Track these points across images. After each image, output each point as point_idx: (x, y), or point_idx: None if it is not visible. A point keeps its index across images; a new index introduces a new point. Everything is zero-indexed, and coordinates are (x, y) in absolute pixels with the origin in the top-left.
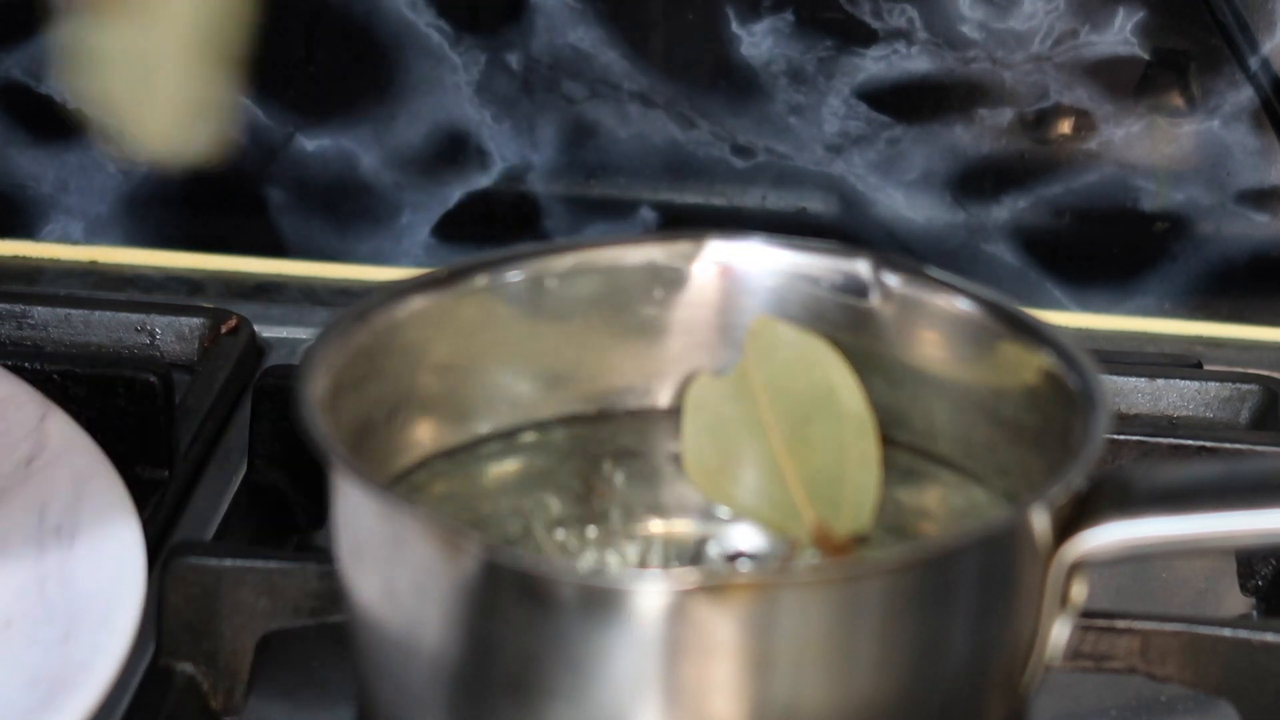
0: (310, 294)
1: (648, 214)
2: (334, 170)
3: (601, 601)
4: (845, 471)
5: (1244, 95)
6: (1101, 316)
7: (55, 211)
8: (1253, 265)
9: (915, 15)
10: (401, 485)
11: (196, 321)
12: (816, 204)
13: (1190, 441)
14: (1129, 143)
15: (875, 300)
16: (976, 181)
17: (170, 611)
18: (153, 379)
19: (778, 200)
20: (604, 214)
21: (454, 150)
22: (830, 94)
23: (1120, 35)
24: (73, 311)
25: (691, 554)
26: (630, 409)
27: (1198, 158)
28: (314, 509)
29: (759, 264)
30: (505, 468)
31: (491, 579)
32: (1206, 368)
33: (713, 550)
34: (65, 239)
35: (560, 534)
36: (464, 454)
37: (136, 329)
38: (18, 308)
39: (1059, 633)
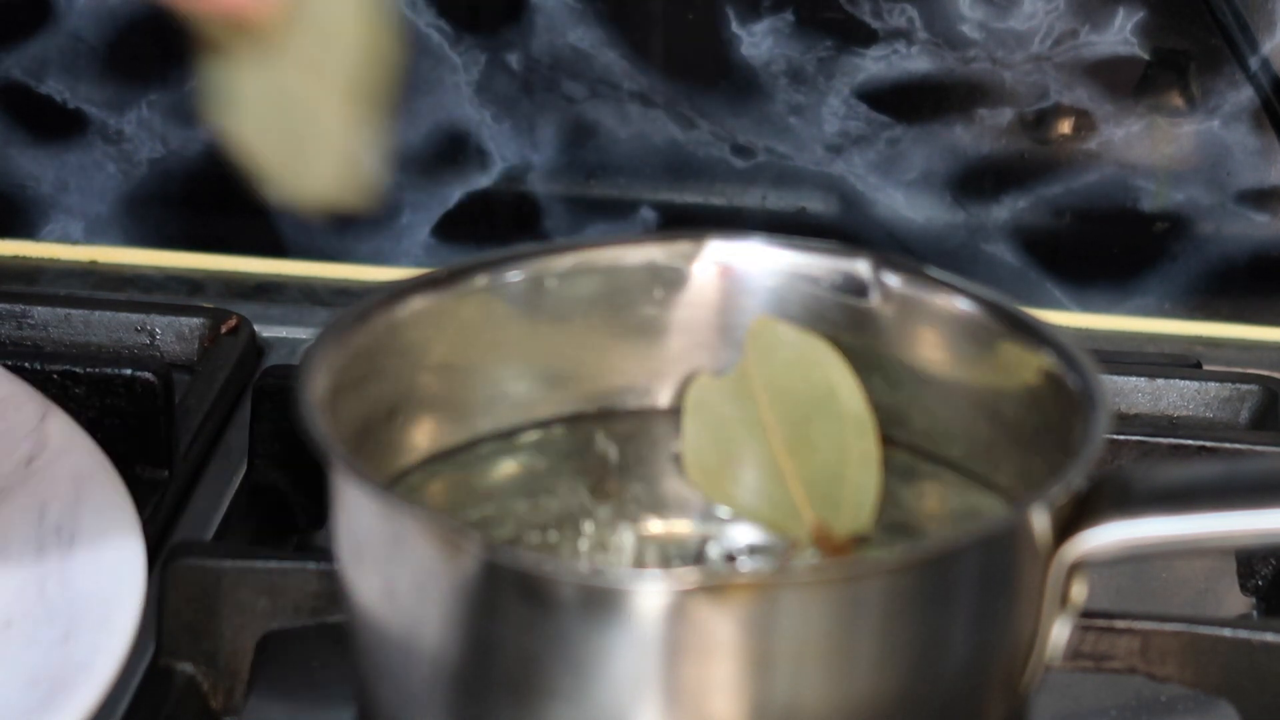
0: (310, 294)
1: (648, 214)
2: None
3: (601, 601)
4: (845, 471)
5: (1244, 95)
6: (1101, 316)
7: (55, 211)
8: (1253, 265)
9: (915, 15)
10: (401, 485)
11: (196, 321)
12: (816, 204)
13: (1190, 441)
14: (1129, 143)
15: (875, 300)
16: (976, 181)
17: (170, 611)
18: (153, 379)
19: (778, 200)
20: (604, 214)
21: (454, 150)
22: (830, 94)
23: (1120, 35)
24: (73, 311)
25: (691, 554)
26: (630, 409)
27: (1198, 158)
28: (314, 509)
29: (759, 264)
30: (505, 468)
31: (491, 579)
32: (1206, 368)
33: (713, 550)
34: (65, 239)
35: (560, 534)
36: (464, 454)
37: (136, 329)
38: (18, 308)
39: (1059, 633)
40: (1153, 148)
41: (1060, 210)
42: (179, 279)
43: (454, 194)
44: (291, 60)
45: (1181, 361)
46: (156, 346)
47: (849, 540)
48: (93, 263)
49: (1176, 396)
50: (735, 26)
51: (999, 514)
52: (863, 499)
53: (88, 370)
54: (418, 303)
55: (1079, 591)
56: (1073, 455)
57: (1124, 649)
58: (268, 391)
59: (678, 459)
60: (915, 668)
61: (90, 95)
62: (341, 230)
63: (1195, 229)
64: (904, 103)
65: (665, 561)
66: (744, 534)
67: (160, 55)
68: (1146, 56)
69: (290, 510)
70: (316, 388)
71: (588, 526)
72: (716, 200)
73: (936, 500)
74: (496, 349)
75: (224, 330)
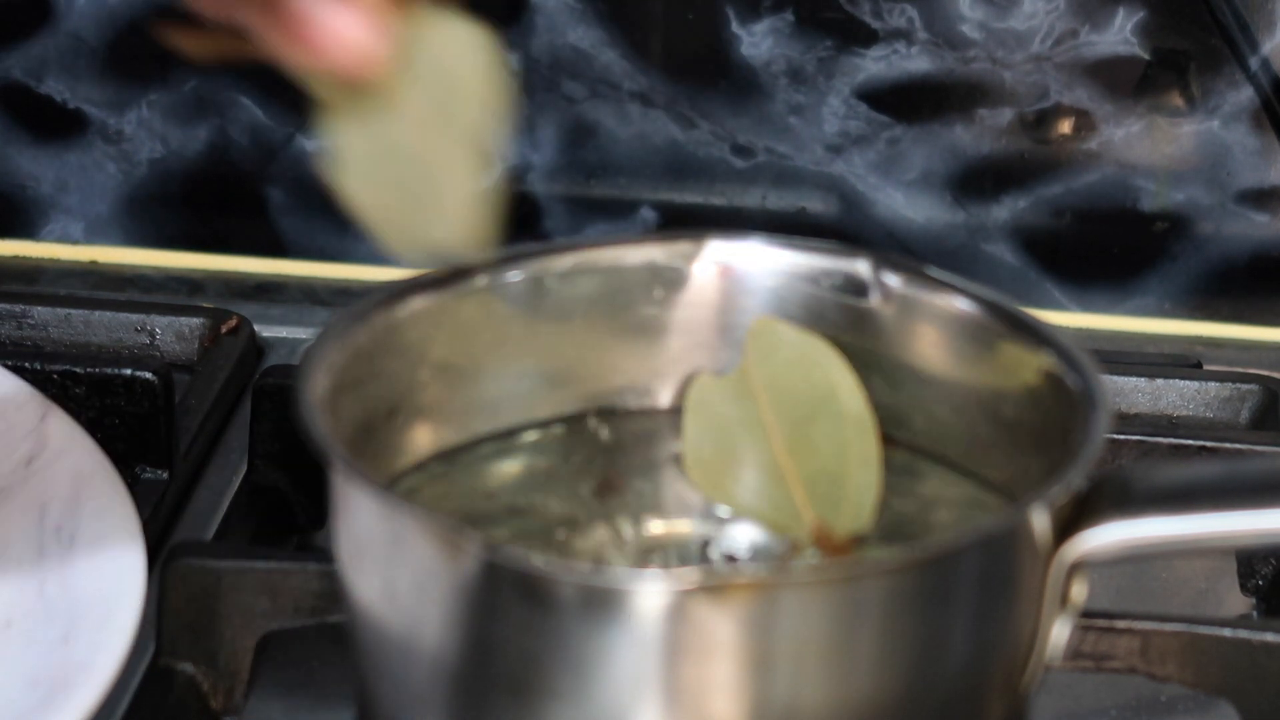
0: (310, 294)
1: (648, 214)
2: None
3: (601, 601)
4: (845, 471)
5: (1244, 95)
6: (1101, 316)
7: (55, 211)
8: (1253, 265)
9: (915, 15)
10: (401, 485)
11: (196, 321)
12: (816, 204)
13: (1190, 441)
14: (1129, 143)
15: (875, 300)
16: (976, 181)
17: (170, 611)
18: (153, 379)
19: (778, 200)
20: (604, 214)
21: None
22: (830, 94)
23: (1120, 35)
24: (73, 311)
25: (692, 554)
26: (631, 409)
27: (1198, 158)
28: (314, 509)
29: (759, 264)
30: (505, 468)
31: (491, 579)
32: (1206, 368)
33: (713, 550)
34: (65, 239)
35: (560, 534)
36: (464, 454)
37: (136, 329)
38: (18, 308)
39: (1059, 633)
40: (1153, 148)
41: (1060, 210)
42: (179, 279)
43: None
44: (408, 116)
45: (1181, 361)
46: (156, 346)
47: (849, 540)
48: (93, 263)
49: (1176, 396)
50: (735, 26)
51: (999, 514)
52: (863, 499)
53: (88, 370)
54: (418, 303)
55: (1079, 591)
56: (1073, 455)
57: (1124, 649)
58: (268, 391)
59: (678, 459)
60: (915, 668)
61: (90, 95)
62: (341, 230)
63: (1195, 229)
64: (904, 103)
65: (665, 561)
66: (744, 534)
67: (160, 55)
68: (1146, 56)
69: (290, 510)
70: (316, 388)
71: (588, 527)
72: (716, 200)
73: (937, 500)
74: (496, 349)
75: (224, 330)
